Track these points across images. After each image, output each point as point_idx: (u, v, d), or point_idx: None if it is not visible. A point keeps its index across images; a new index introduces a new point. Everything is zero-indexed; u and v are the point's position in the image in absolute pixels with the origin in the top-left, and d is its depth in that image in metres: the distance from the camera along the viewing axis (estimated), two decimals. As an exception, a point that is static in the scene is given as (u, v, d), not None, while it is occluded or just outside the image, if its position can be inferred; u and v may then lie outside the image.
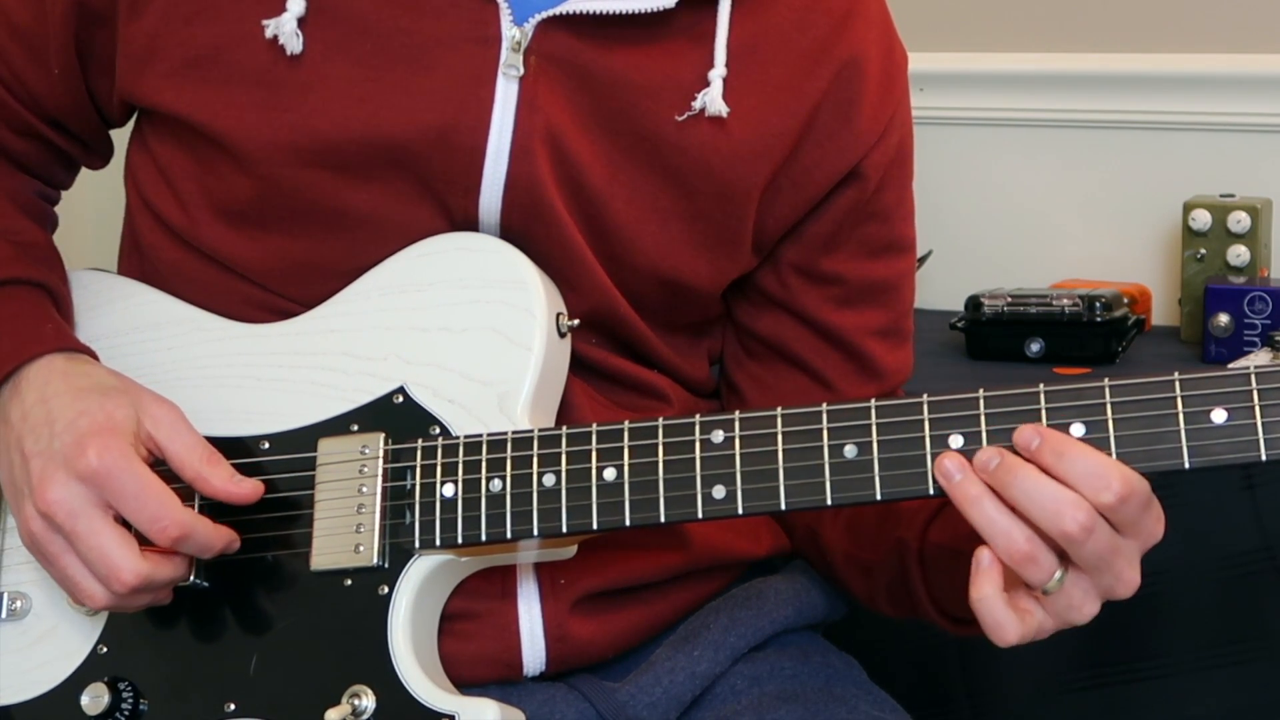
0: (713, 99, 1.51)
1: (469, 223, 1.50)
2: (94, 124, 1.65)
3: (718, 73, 1.52)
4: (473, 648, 1.48)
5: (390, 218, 1.50)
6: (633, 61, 1.51)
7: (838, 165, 1.58)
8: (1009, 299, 2.36)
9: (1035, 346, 2.33)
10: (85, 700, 1.47)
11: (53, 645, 1.52)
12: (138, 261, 1.63)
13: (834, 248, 1.62)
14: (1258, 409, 1.27)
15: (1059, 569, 1.30)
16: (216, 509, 1.47)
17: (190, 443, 1.46)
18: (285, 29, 1.48)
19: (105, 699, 1.46)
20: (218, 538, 1.45)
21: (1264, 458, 1.26)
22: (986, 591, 1.31)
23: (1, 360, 1.49)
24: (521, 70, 1.48)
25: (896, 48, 1.64)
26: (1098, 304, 2.32)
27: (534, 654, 1.51)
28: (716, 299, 1.63)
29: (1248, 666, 2.00)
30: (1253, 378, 1.27)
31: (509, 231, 1.50)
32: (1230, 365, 2.10)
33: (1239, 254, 2.42)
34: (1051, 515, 1.28)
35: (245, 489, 1.46)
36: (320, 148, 1.48)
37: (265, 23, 1.49)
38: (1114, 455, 1.29)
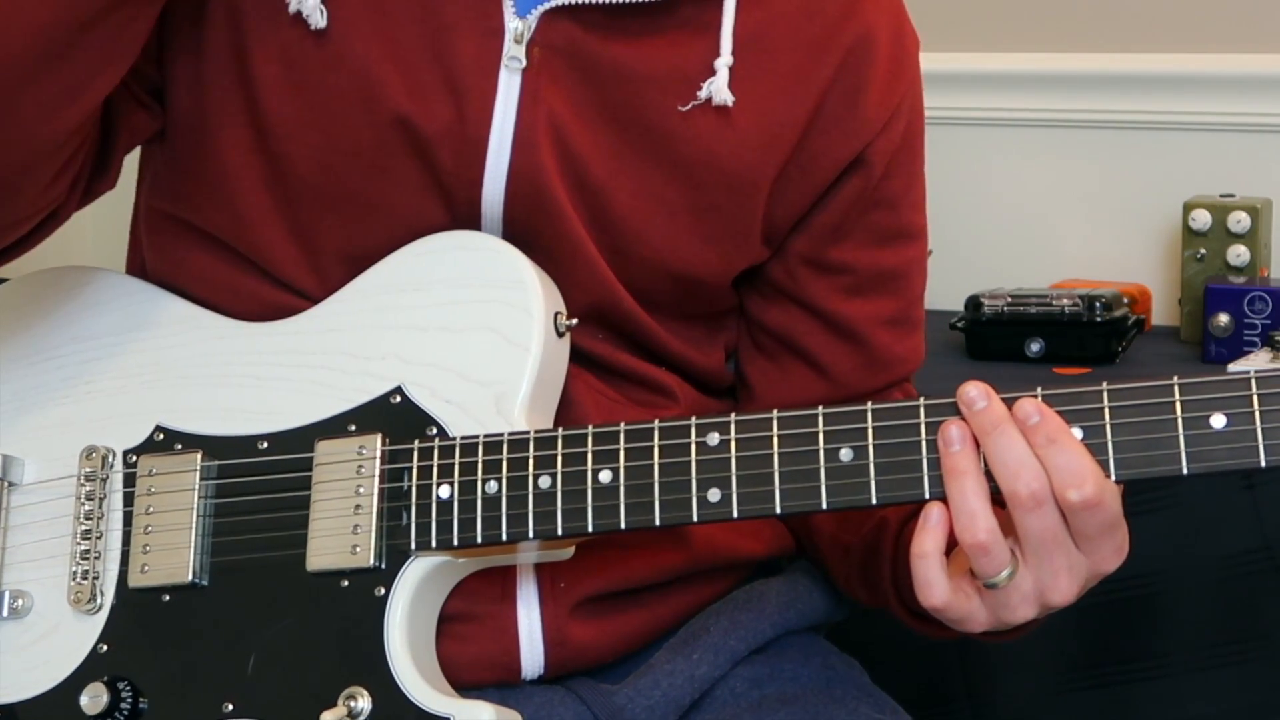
0: (718, 88, 1.51)
1: (473, 214, 1.50)
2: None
3: (724, 61, 1.51)
4: (471, 650, 1.48)
5: (398, 205, 1.50)
6: (637, 52, 1.50)
7: (843, 152, 1.57)
8: (1009, 299, 2.36)
9: (1035, 346, 2.33)
10: (84, 700, 1.47)
11: (53, 644, 1.52)
12: (142, 258, 1.64)
13: (841, 237, 1.62)
14: (1258, 414, 1.26)
15: (1009, 568, 1.31)
16: (217, 510, 1.48)
17: None
18: (309, 2, 1.48)
19: (104, 699, 1.46)
20: None
21: (1264, 464, 1.25)
22: (927, 548, 1.32)
23: None
24: (524, 62, 1.48)
25: (907, 32, 1.63)
26: (1098, 304, 2.32)
27: (532, 658, 1.51)
28: (728, 291, 1.63)
29: (1248, 666, 2.00)
30: (1253, 382, 1.26)
31: (512, 224, 1.50)
32: (1230, 365, 2.11)
33: (1239, 254, 2.42)
34: (1010, 474, 1.29)
35: None
36: (338, 129, 1.48)
37: None
38: (1111, 460, 1.29)
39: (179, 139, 1.57)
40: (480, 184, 1.49)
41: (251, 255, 1.55)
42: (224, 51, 1.51)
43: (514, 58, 1.48)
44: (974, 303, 2.38)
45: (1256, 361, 2.17)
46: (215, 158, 1.54)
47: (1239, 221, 2.42)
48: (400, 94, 1.47)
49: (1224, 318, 2.29)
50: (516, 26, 1.48)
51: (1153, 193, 2.64)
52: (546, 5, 1.48)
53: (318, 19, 1.48)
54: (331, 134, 1.48)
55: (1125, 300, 2.38)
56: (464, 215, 1.50)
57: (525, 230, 1.50)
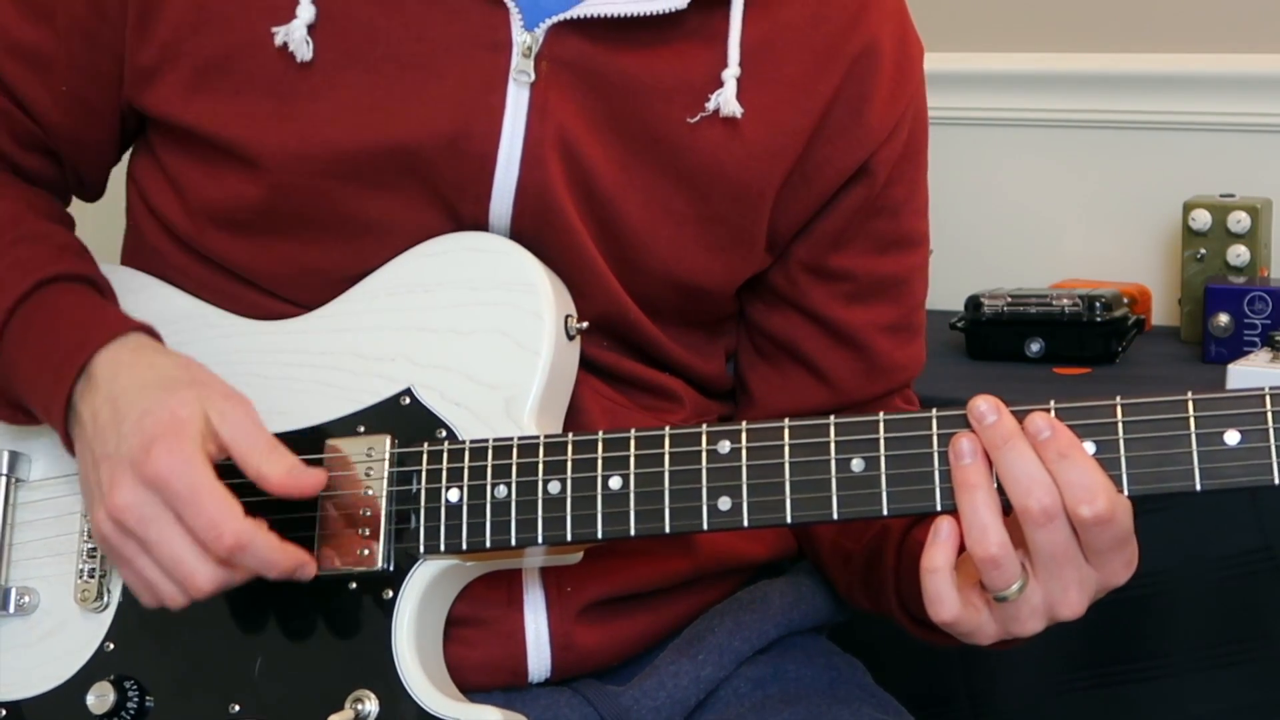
0: (726, 99, 1.50)
1: (479, 229, 1.50)
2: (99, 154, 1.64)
3: (731, 72, 1.51)
4: (478, 654, 1.49)
5: (400, 224, 1.50)
6: (644, 64, 1.50)
7: (847, 162, 1.58)
8: (1009, 299, 2.36)
9: (1035, 346, 2.33)
10: (91, 699, 1.47)
11: (59, 641, 1.52)
12: (143, 263, 1.63)
13: (843, 244, 1.62)
14: (1272, 432, 1.26)
15: (1019, 581, 1.31)
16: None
17: (254, 437, 1.41)
18: (295, 36, 1.48)
19: (111, 697, 1.47)
20: (284, 556, 1.39)
21: (1277, 481, 1.26)
22: (938, 563, 1.31)
23: (71, 354, 1.46)
24: (532, 76, 1.48)
25: (911, 40, 1.63)
26: (1098, 304, 2.32)
27: (539, 662, 1.51)
28: (731, 298, 1.63)
29: (1248, 666, 2.00)
30: (1267, 399, 1.27)
31: (519, 237, 1.50)
32: (1230, 365, 2.11)
33: (1239, 254, 2.42)
34: (1022, 489, 1.29)
35: (306, 481, 1.40)
36: (331, 155, 1.47)
37: (275, 30, 1.48)
38: (1124, 475, 1.29)
39: (168, 162, 1.58)
40: (488, 199, 1.49)
41: (252, 278, 1.55)
42: (209, 95, 1.51)
43: (522, 71, 1.47)
44: (974, 303, 2.38)
45: (1256, 361, 2.17)
46: (208, 193, 1.54)
47: (1239, 221, 2.42)
48: (396, 116, 1.47)
49: (1224, 318, 2.29)
50: (525, 40, 1.47)
51: (1153, 193, 2.64)
52: (555, 19, 1.48)
53: (304, 51, 1.48)
54: (325, 161, 1.48)
55: (1125, 300, 2.38)
56: (469, 230, 1.50)
57: (533, 243, 1.50)
